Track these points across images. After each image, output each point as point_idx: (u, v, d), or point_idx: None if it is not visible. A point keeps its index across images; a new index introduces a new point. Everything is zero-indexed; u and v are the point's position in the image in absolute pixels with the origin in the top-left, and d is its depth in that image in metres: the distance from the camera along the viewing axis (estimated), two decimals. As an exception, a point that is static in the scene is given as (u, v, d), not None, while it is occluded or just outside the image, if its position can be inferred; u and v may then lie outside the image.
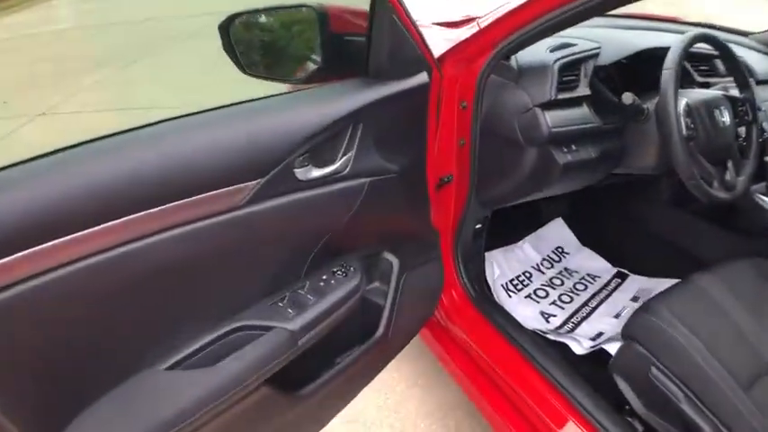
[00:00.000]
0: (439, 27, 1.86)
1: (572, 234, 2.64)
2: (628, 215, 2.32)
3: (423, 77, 1.46)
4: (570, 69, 1.78)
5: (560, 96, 1.72)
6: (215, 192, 1.13)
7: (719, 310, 1.75)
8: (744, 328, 1.71)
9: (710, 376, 1.54)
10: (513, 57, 1.74)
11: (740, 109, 1.93)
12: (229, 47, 1.53)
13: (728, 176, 1.86)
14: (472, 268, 2.02)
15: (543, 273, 2.46)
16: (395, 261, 1.58)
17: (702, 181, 1.76)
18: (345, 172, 1.35)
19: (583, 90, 1.81)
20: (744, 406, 1.50)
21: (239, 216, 1.18)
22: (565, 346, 2.05)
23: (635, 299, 2.35)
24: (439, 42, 1.67)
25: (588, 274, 2.49)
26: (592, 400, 1.69)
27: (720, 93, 1.93)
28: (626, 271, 2.51)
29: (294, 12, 1.57)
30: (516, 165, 1.80)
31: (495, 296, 2.17)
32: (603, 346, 2.01)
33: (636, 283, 2.44)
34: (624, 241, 2.59)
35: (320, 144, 1.28)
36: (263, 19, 1.59)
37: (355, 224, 1.43)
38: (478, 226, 1.98)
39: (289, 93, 1.40)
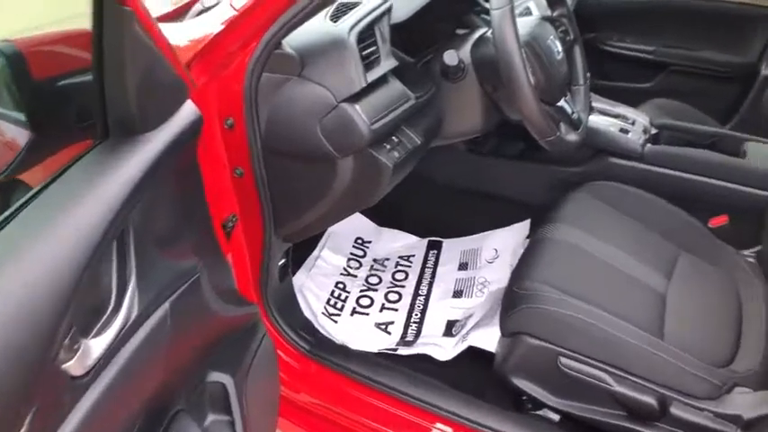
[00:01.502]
0: (166, 24, 1.42)
1: (366, 219, 2.40)
2: (420, 178, 2.10)
3: (190, 110, 1.04)
4: (365, 38, 1.46)
5: (369, 79, 1.42)
6: None
7: (588, 257, 1.72)
8: (616, 263, 1.71)
9: (626, 341, 1.48)
10: (283, 42, 1.37)
11: (560, 30, 1.79)
12: None
13: (572, 113, 1.73)
14: (291, 315, 1.76)
15: (355, 276, 2.20)
16: (227, 380, 1.24)
17: None
18: (134, 316, 0.92)
19: (388, 62, 1.53)
20: (672, 356, 1.47)
21: None
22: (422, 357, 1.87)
23: (463, 266, 2.21)
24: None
25: (401, 257, 2.29)
26: (483, 411, 1.59)
27: (538, 18, 1.76)
28: (437, 238, 2.36)
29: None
30: (328, 183, 1.51)
31: (322, 330, 1.89)
32: (469, 342, 1.84)
33: (454, 246, 2.31)
34: (424, 207, 2.41)
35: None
36: None
37: (168, 367, 1.06)
38: (282, 261, 1.68)
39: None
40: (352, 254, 2.28)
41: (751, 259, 1.98)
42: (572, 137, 1.69)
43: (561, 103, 1.73)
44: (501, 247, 2.20)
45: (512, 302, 1.57)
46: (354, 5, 1.53)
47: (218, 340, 1.25)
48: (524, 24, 1.68)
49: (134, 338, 0.91)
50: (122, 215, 0.85)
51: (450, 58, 1.65)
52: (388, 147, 1.52)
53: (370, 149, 1.47)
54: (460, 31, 1.85)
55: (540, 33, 1.69)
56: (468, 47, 1.72)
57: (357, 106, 1.40)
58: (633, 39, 3.23)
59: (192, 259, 1.09)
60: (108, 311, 0.88)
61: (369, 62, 1.46)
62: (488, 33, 1.66)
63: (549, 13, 1.86)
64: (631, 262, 1.70)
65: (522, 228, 2.23)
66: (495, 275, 2.08)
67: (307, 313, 1.90)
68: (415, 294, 2.13)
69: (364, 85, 1.41)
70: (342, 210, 1.60)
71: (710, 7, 3.14)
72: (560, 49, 1.72)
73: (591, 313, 1.50)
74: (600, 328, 1.48)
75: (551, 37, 1.71)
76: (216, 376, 1.22)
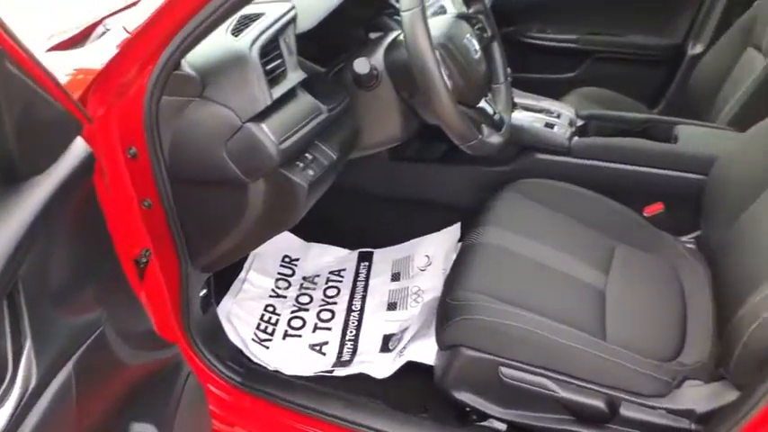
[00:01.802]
0: (59, 53, 1.38)
1: (292, 236, 2.37)
2: (345, 189, 2.07)
3: (80, 148, 1.00)
4: (269, 52, 1.43)
5: (275, 95, 1.38)
6: None
7: (521, 259, 1.72)
8: (551, 263, 1.72)
9: (567, 345, 1.48)
10: (183, 62, 1.33)
11: (476, 27, 1.79)
12: None
13: (494, 113, 1.74)
14: (219, 346, 1.72)
15: (285, 297, 2.16)
16: (150, 429, 1.20)
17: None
18: (33, 384, 0.87)
19: (295, 75, 1.50)
20: (616, 356, 1.47)
21: None
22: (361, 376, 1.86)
23: (396, 276, 2.21)
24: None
25: (332, 272, 2.26)
26: (426, 429, 1.61)
27: (453, 16, 1.75)
28: (367, 249, 2.35)
29: None
30: (241, 209, 1.47)
31: (253, 358, 1.85)
32: (406, 357, 1.84)
33: (385, 257, 2.30)
34: (352, 219, 2.39)
35: None
36: None
37: (82, 429, 1.02)
38: (203, 292, 1.64)
39: None
40: (280, 273, 2.24)
41: (690, 245, 2.00)
42: (495, 139, 1.69)
43: (482, 103, 1.72)
44: (432, 253, 2.20)
45: (446, 314, 1.56)
46: (257, 17, 1.49)
47: (137, 389, 1.21)
48: (438, 24, 1.67)
49: (36, 409, 0.86)
50: (9, 273, 0.80)
51: (360, 66, 1.63)
52: (302, 165, 1.50)
53: (281, 170, 1.44)
54: (373, 35, 1.84)
55: (455, 33, 1.67)
56: (380, 52, 1.70)
57: (263, 125, 1.37)
58: (555, 28, 3.29)
59: (96, 309, 1.04)
60: (4, 384, 0.83)
61: (274, 77, 1.43)
62: (401, 36, 1.62)
63: (464, 9, 1.84)
64: (566, 260, 1.71)
65: (453, 232, 2.23)
66: (429, 283, 2.08)
67: (236, 341, 1.87)
68: (349, 310, 2.11)
69: (269, 102, 1.37)
70: (259, 236, 1.57)
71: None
72: (478, 47, 1.71)
73: (528, 320, 1.50)
74: (539, 334, 1.47)
75: (468, 35, 1.70)
76: (139, 428, 1.18)
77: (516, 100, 2.17)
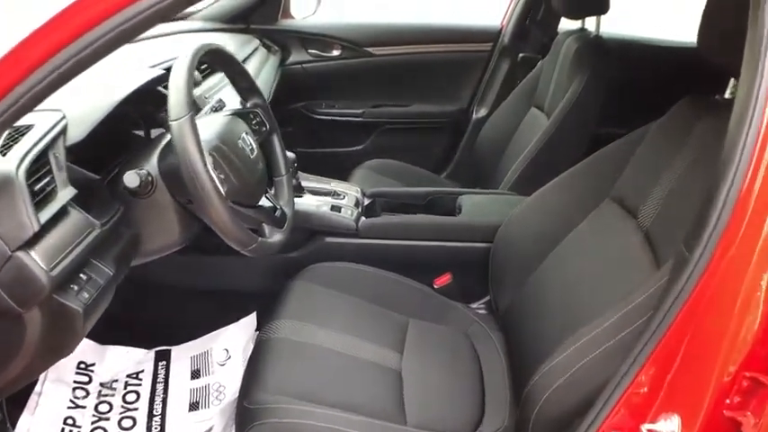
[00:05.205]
0: None
1: (86, 339, 2.34)
2: (136, 283, 2.09)
3: None
4: (39, 169, 1.44)
5: (42, 219, 1.38)
6: None
7: (316, 351, 1.86)
8: (346, 350, 1.87)
9: None
10: None
11: (254, 122, 1.91)
12: None
13: (275, 210, 1.85)
14: None
15: (84, 407, 2.20)
16: None
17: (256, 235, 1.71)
18: None
19: (65, 192, 1.50)
20: None
21: None
22: None
23: (195, 374, 2.31)
24: None
25: (129, 375, 2.33)
26: None
27: (229, 113, 1.85)
28: (164, 347, 2.43)
29: None
30: (19, 340, 1.47)
31: None
32: None
33: (183, 353, 2.40)
34: (148, 315, 2.48)
35: None
36: None
37: None
38: None
39: None
40: (76, 382, 2.26)
41: (481, 311, 2.25)
42: (276, 237, 1.80)
43: (262, 200, 1.82)
44: (231, 346, 2.31)
45: (244, 420, 1.66)
46: (27, 129, 1.49)
47: None
48: (213, 124, 1.76)
49: None
50: None
51: (130, 180, 1.66)
52: (76, 288, 1.51)
53: (55, 296, 1.45)
54: (155, 131, 1.92)
55: (230, 132, 1.77)
56: (155, 157, 1.74)
57: (32, 253, 1.36)
58: (342, 103, 3.56)
59: None
60: None
61: (43, 196, 1.42)
62: None
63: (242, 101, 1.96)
64: (361, 345, 1.87)
65: (249, 322, 2.35)
66: (230, 378, 2.19)
67: None
68: (150, 415, 2.18)
69: (37, 229, 1.36)
70: (42, 362, 1.57)
71: (417, 60, 3.55)
72: (254, 145, 1.81)
73: (327, 417, 1.61)
74: (337, 430, 1.58)
75: (243, 134, 1.79)
76: None
77: (303, 183, 2.35)
